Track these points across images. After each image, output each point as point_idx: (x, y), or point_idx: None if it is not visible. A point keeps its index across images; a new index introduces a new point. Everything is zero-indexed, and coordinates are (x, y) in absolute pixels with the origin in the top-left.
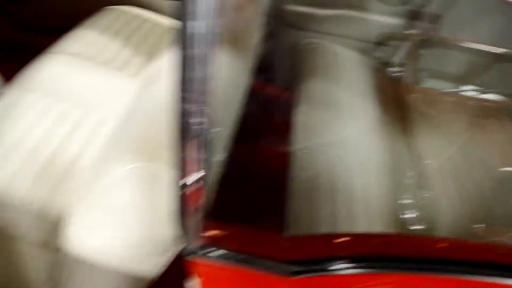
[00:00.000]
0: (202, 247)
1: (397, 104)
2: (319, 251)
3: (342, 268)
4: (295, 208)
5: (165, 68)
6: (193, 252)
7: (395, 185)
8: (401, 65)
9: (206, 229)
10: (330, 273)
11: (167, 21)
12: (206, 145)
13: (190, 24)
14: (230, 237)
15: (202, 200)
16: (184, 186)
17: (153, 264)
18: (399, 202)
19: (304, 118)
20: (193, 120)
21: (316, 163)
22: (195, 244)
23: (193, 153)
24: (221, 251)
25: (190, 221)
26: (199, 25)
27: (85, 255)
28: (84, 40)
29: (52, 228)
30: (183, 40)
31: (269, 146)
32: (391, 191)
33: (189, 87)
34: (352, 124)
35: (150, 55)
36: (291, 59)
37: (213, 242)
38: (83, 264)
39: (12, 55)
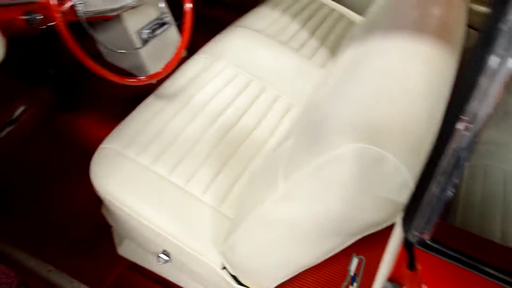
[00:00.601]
0: (428, 240)
1: None
2: None
3: None
4: (465, 220)
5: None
6: (420, 244)
7: None
8: None
9: (435, 224)
10: None
11: (341, 9)
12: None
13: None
14: (454, 237)
15: (440, 198)
16: (425, 181)
17: (341, 241)
18: None
19: None
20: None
21: (489, 177)
22: (422, 235)
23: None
24: (444, 248)
25: (422, 214)
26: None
27: (278, 221)
28: (267, 18)
29: (224, 193)
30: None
31: None
32: None
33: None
34: None
35: (324, 38)
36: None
37: (439, 238)
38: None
39: (200, 27)
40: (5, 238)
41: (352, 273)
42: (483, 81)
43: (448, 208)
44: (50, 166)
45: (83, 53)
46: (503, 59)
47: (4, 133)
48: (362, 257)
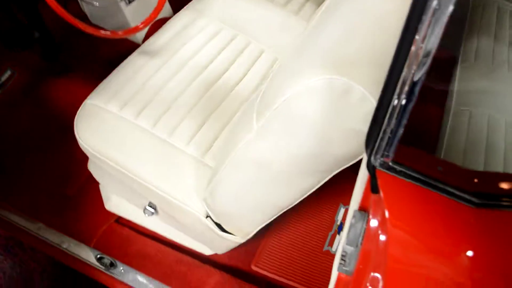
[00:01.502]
0: (391, 163)
1: None
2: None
3: None
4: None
5: None
6: (382, 166)
7: None
8: None
9: (396, 147)
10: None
11: None
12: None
13: None
14: (418, 160)
15: (399, 121)
16: (384, 104)
17: (316, 179)
18: None
19: (466, 75)
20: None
21: (474, 123)
22: (385, 159)
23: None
24: (405, 169)
25: (383, 138)
26: None
27: (253, 161)
28: None
29: (207, 144)
30: None
31: (426, 102)
32: None
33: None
34: None
35: None
36: (457, 14)
37: (402, 160)
38: (247, 171)
39: None
40: None
41: (339, 222)
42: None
43: (432, 146)
44: (38, 128)
45: (58, 6)
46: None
47: None
48: (349, 207)
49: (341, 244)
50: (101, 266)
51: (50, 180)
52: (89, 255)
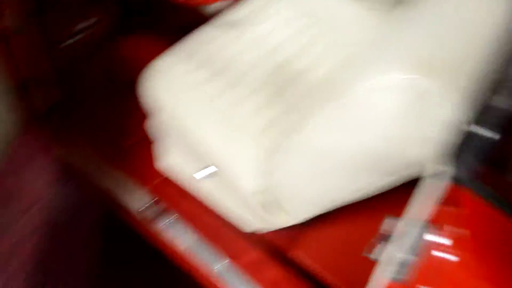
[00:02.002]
0: (476, 180)
1: None
2: None
3: None
4: None
5: None
6: (465, 182)
7: None
8: None
9: (483, 167)
10: None
11: None
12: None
13: None
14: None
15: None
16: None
17: (374, 180)
18: None
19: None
20: None
21: None
22: (469, 175)
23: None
24: (491, 191)
25: (471, 154)
26: None
27: (316, 150)
28: None
29: (269, 123)
30: None
31: None
32: None
33: None
34: None
35: None
36: None
37: (486, 180)
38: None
39: None
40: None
41: (385, 231)
42: None
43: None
44: (105, 79)
45: None
46: None
47: (71, 41)
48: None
49: (394, 251)
50: (149, 213)
51: (109, 130)
52: (140, 200)
